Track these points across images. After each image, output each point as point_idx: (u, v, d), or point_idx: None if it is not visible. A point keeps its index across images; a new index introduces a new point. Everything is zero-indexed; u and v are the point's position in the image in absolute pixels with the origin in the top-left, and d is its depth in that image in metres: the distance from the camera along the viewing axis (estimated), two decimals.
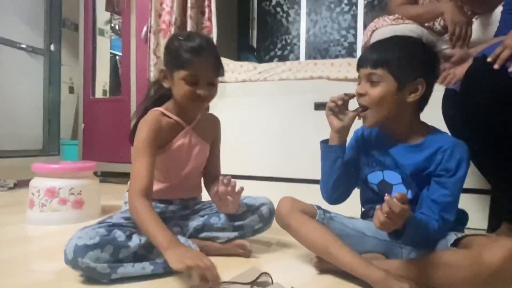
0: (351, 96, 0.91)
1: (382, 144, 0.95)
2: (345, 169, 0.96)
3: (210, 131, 1.14)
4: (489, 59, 0.97)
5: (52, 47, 3.24)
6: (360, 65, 0.89)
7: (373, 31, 1.55)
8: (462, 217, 0.91)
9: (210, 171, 1.16)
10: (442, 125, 1.03)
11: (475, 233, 0.78)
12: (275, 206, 1.07)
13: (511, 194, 1.08)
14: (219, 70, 1.00)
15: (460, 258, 0.70)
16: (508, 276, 0.64)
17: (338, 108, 0.92)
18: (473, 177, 1.28)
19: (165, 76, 1.01)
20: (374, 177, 0.95)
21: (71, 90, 3.41)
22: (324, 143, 0.97)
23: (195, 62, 0.94)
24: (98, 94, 2.88)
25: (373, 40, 1.52)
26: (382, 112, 0.86)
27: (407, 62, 0.84)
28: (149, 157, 0.94)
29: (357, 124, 0.94)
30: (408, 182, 0.89)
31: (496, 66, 0.94)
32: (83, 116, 2.79)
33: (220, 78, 1.02)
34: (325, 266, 0.92)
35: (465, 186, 0.86)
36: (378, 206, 0.73)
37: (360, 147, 1.01)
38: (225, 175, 0.97)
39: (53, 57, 3.25)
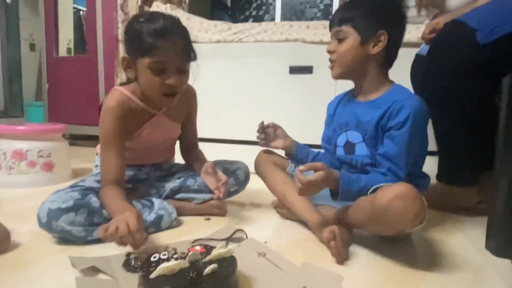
0: (262, 124, 1.08)
1: (348, 105, 1.00)
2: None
3: (184, 109, 1.08)
4: None
5: None
6: (330, 25, 0.96)
7: None
8: (422, 181, 0.94)
9: (187, 139, 1.16)
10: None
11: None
12: (250, 169, 1.13)
13: (452, 156, 1.15)
14: (189, 54, 0.90)
15: (364, 201, 0.79)
16: (394, 213, 0.70)
17: (264, 138, 1.08)
18: None
19: (128, 65, 0.91)
20: (341, 140, 0.99)
21: (32, 47, 3.20)
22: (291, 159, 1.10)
23: (160, 46, 0.83)
24: (62, 52, 2.72)
25: None
26: (345, 65, 0.93)
27: (369, 16, 0.90)
28: (117, 147, 0.90)
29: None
30: (367, 140, 0.92)
31: None
32: (47, 76, 2.64)
33: (193, 38, 0.93)
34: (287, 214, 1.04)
35: None
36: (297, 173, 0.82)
37: (332, 118, 1.05)
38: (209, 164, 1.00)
39: (10, 10, 3.00)
